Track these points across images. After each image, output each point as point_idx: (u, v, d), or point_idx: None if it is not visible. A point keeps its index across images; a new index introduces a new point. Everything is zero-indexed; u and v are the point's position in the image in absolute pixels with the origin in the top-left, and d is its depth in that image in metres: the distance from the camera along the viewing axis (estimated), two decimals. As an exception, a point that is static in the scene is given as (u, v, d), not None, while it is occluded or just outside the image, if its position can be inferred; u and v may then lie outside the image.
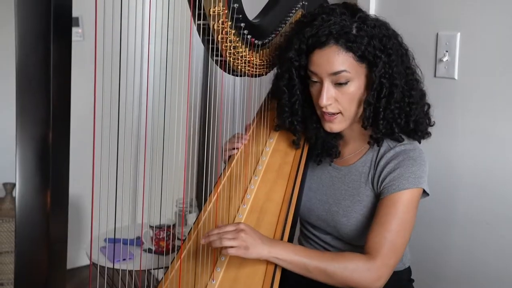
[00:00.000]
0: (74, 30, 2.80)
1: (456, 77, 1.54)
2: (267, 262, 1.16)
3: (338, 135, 1.35)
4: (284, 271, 1.19)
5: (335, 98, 1.23)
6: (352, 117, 1.27)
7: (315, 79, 1.24)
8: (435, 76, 1.59)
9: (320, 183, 1.36)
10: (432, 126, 1.35)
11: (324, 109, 1.24)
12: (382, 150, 1.28)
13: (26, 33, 0.76)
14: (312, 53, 1.22)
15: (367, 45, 1.20)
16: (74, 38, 2.79)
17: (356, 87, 1.23)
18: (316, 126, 1.32)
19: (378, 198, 1.25)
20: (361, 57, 1.21)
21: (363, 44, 1.20)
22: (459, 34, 1.52)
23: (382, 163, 1.26)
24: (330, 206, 1.32)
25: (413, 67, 1.30)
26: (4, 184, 2.66)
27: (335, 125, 1.26)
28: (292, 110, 1.31)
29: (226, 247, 1.11)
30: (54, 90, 0.77)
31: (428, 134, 1.33)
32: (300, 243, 1.47)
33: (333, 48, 1.20)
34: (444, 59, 1.55)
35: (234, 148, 1.42)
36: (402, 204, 1.20)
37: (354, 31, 1.20)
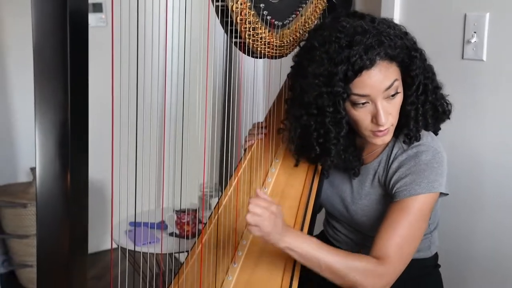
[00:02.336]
0: (98, 15, 2.81)
1: (484, 59, 1.50)
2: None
3: (358, 147, 1.30)
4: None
5: (389, 112, 1.17)
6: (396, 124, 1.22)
7: (363, 101, 1.16)
8: (462, 58, 1.55)
9: (340, 180, 1.34)
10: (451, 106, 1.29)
11: (381, 128, 1.17)
12: (395, 151, 1.24)
13: (42, 17, 0.76)
14: (358, 77, 1.13)
15: (402, 47, 1.16)
16: (97, 23, 2.81)
17: (401, 94, 1.19)
18: (341, 153, 1.25)
19: (392, 197, 1.22)
20: (400, 62, 1.17)
21: (399, 48, 1.15)
22: (488, 14, 1.47)
23: (394, 165, 1.23)
24: (349, 205, 1.31)
25: (422, 51, 1.24)
26: (32, 169, 2.71)
27: (387, 137, 1.20)
28: (341, 146, 1.22)
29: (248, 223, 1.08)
30: (71, 76, 0.77)
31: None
32: (325, 229, 1.46)
33: (380, 64, 1.13)
34: (472, 41, 1.50)
35: (252, 140, 1.41)
36: (413, 211, 1.16)
37: (388, 40, 1.14)
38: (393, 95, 1.16)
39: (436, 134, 1.28)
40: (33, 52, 0.77)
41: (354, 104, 1.16)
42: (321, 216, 1.44)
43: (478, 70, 1.51)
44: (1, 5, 2.71)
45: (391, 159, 1.24)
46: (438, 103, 1.24)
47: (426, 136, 1.23)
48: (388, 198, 1.23)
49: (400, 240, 1.14)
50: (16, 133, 2.80)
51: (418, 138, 1.22)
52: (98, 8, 2.81)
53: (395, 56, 1.15)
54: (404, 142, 1.22)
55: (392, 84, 1.15)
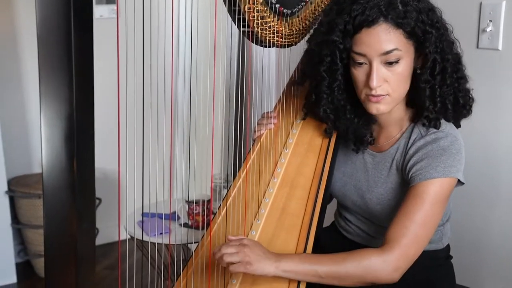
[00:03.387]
0: (110, 7, 2.81)
1: (500, 48, 1.47)
2: (299, 233, 1.16)
3: (371, 121, 1.29)
4: (315, 249, 1.17)
5: (385, 79, 1.16)
6: (399, 98, 1.21)
7: (361, 60, 1.17)
8: (477, 47, 1.52)
9: (354, 169, 1.33)
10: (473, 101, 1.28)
11: (373, 92, 1.17)
12: (413, 136, 1.23)
13: (47, 10, 0.75)
14: (358, 34, 1.15)
15: (416, 20, 1.15)
16: (109, 15, 2.81)
17: (405, 66, 1.17)
18: (349, 116, 1.26)
19: (409, 183, 1.21)
20: (410, 34, 1.15)
21: (412, 20, 1.14)
22: (504, 2, 1.44)
23: (411, 151, 1.22)
24: (364, 193, 1.29)
25: (454, 40, 1.24)
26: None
27: (382, 106, 1.19)
28: (330, 97, 1.24)
29: (228, 264, 1.06)
30: (76, 69, 0.76)
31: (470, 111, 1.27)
32: (336, 220, 1.45)
33: (382, 26, 1.14)
34: (488, 29, 1.48)
35: (262, 130, 1.40)
36: (429, 195, 1.15)
37: (400, 7, 1.14)
38: (391, 63, 1.15)
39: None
40: (38, 45, 0.77)
41: (354, 63, 1.18)
42: (331, 208, 1.43)
43: (493, 60, 1.48)
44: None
45: (409, 144, 1.23)
46: (460, 94, 1.22)
47: (445, 124, 1.22)
48: (405, 187, 1.22)
49: (414, 226, 1.13)
50: (30, 125, 2.82)
51: (437, 125, 1.20)
52: (111, -1, 2.81)
53: (402, 24, 1.14)
54: (423, 125, 1.21)
55: (392, 51, 1.14)
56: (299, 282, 1.11)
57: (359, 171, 1.32)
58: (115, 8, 2.83)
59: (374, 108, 1.20)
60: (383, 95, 1.18)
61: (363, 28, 1.14)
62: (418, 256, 1.15)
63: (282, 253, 1.13)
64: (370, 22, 1.13)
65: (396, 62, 1.16)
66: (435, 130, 1.20)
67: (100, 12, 2.78)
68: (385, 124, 1.29)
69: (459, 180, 1.19)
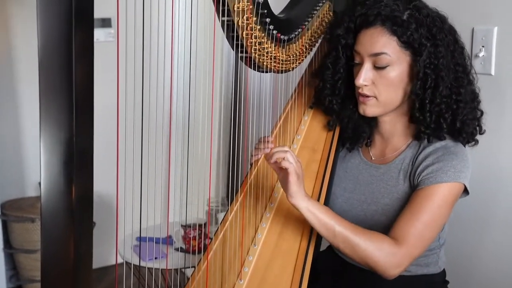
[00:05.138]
0: (107, 30, 2.84)
1: (493, 73, 1.49)
2: (296, 257, 1.17)
3: (372, 123, 1.33)
4: (313, 272, 1.17)
5: (373, 80, 1.22)
6: (387, 105, 1.24)
7: (357, 59, 1.25)
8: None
9: (357, 183, 1.34)
10: (482, 134, 1.30)
11: (360, 90, 1.23)
12: (421, 146, 1.25)
13: (48, 35, 0.76)
14: (359, 33, 1.23)
15: (413, 32, 1.18)
16: (107, 38, 2.83)
17: (396, 73, 1.21)
18: (353, 108, 1.32)
19: (417, 185, 1.21)
20: (405, 43, 1.19)
21: (409, 30, 1.18)
22: (496, 28, 1.47)
23: (421, 157, 1.23)
24: (369, 205, 1.30)
25: (466, 65, 1.26)
26: (40, 184, 2.72)
27: (368, 108, 1.25)
28: (334, 88, 1.31)
29: (285, 162, 1.12)
30: (76, 94, 0.77)
31: (475, 141, 1.28)
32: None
33: (378, 29, 1.20)
34: (480, 55, 1.50)
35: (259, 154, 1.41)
36: (438, 198, 1.16)
37: (403, 17, 1.19)
38: (380, 67, 1.20)
39: None
40: (39, 69, 0.77)
41: (352, 62, 1.26)
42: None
43: (487, 84, 1.49)
44: (12, 17, 2.74)
45: (419, 151, 1.25)
46: (459, 118, 1.23)
47: (450, 138, 1.24)
48: (409, 197, 1.22)
49: (421, 225, 1.15)
50: (24, 148, 2.82)
51: (441, 137, 1.23)
52: (107, 23, 2.84)
53: (397, 31, 1.18)
54: (428, 141, 1.24)
55: (380, 54, 1.19)
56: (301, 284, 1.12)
57: (363, 185, 1.33)
58: (111, 31, 2.86)
59: (361, 109, 1.27)
60: (370, 96, 1.23)
61: (362, 28, 1.22)
62: (419, 255, 1.17)
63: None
64: (368, 23, 1.21)
65: (386, 67, 1.20)
66: (446, 140, 1.23)
67: (96, 35, 2.80)
68: (389, 136, 1.31)
69: (465, 189, 1.20)
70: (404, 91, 1.23)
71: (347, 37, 1.26)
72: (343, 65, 1.29)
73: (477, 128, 1.28)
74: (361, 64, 1.23)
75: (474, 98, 1.27)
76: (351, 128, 1.34)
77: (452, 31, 1.25)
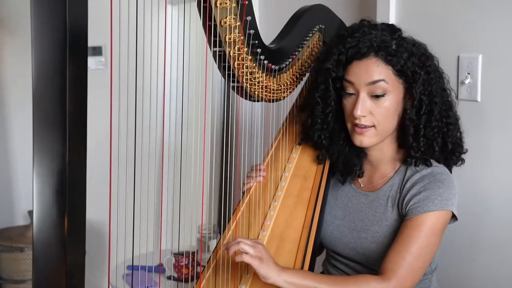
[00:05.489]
0: (97, 59, 2.86)
1: (479, 100, 1.51)
2: None
3: (361, 154, 1.33)
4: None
5: (370, 110, 1.22)
6: (384, 133, 1.25)
7: (351, 90, 1.23)
8: (457, 98, 1.56)
9: (346, 210, 1.34)
10: (465, 153, 1.33)
11: (357, 121, 1.22)
12: (408, 173, 1.27)
13: (42, 66, 0.77)
14: (350, 64, 1.23)
15: (406, 60, 1.21)
16: (97, 66, 2.85)
17: (392, 101, 1.22)
18: (342, 143, 1.32)
19: (405, 215, 1.22)
20: (399, 72, 1.21)
21: (402, 59, 1.20)
22: (480, 56, 1.50)
23: (408, 185, 1.24)
24: (359, 233, 1.30)
25: (448, 90, 1.31)
26: (30, 212, 2.70)
27: (365, 139, 1.24)
28: (324, 122, 1.30)
29: (242, 253, 1.10)
30: (70, 125, 0.77)
31: (462, 160, 1.32)
32: (327, 270, 1.45)
33: (372, 59, 1.21)
34: (466, 82, 1.52)
35: (251, 182, 1.41)
36: (426, 227, 1.17)
37: (394, 46, 1.21)
38: (378, 96, 1.20)
39: None
40: (33, 100, 0.77)
41: (344, 93, 1.25)
42: (320, 258, 1.43)
43: (473, 111, 1.52)
44: (3, 46, 2.76)
45: (405, 179, 1.26)
46: (450, 140, 1.27)
47: (437, 163, 1.26)
48: (400, 223, 1.23)
49: (410, 257, 1.15)
50: (13, 176, 2.80)
51: (428, 164, 1.24)
52: (98, 51, 2.86)
53: (391, 61, 1.20)
54: (415, 165, 1.25)
55: (378, 81, 1.20)
56: None
57: (353, 212, 1.33)
58: (102, 59, 2.87)
59: (358, 140, 1.25)
60: (369, 126, 1.23)
61: (354, 59, 1.21)
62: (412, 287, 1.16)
63: (290, 268, 1.17)
64: (361, 55, 1.21)
65: (383, 95, 1.21)
66: (432, 166, 1.24)
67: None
68: (378, 163, 1.32)
69: (453, 215, 1.21)
70: (398, 118, 1.25)
71: (337, 70, 1.25)
72: (334, 98, 1.28)
73: (463, 147, 1.32)
74: (354, 95, 1.23)
75: (457, 120, 1.31)
76: (342, 162, 1.33)
77: (432, 57, 1.29)
